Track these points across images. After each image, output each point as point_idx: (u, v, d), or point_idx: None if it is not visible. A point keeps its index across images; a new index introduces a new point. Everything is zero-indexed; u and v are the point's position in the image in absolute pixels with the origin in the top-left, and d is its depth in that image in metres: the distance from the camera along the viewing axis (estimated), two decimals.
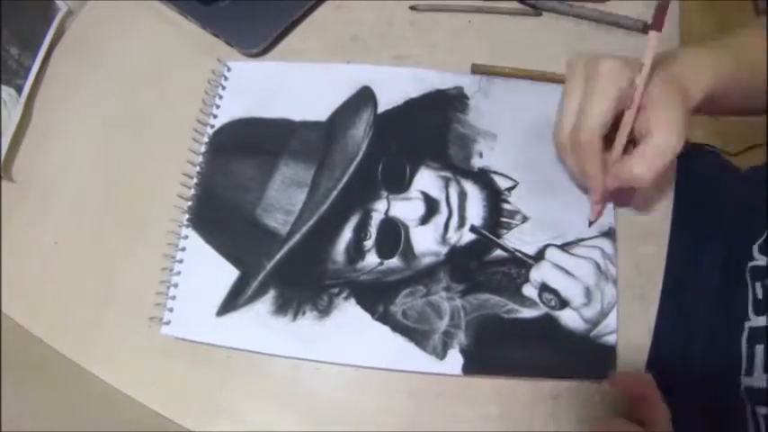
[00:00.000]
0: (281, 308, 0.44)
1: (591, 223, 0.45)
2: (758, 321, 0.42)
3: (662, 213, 0.46)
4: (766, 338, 0.41)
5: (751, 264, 0.43)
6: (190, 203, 0.48)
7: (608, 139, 0.40)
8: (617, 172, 0.40)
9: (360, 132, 0.49)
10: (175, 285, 0.46)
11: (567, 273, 0.43)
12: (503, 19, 0.54)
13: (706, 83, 0.39)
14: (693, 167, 0.49)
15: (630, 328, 0.42)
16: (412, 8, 0.51)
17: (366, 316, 0.43)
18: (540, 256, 0.44)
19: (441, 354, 0.42)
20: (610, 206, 0.45)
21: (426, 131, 0.49)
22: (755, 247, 0.43)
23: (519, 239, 0.45)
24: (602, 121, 0.38)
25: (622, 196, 0.45)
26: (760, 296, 0.42)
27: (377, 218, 0.46)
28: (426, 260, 0.45)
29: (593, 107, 0.38)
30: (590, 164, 0.40)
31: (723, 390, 0.42)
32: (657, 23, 0.38)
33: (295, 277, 0.45)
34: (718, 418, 0.43)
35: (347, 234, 0.46)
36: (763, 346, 0.41)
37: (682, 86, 0.39)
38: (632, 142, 0.40)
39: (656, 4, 0.38)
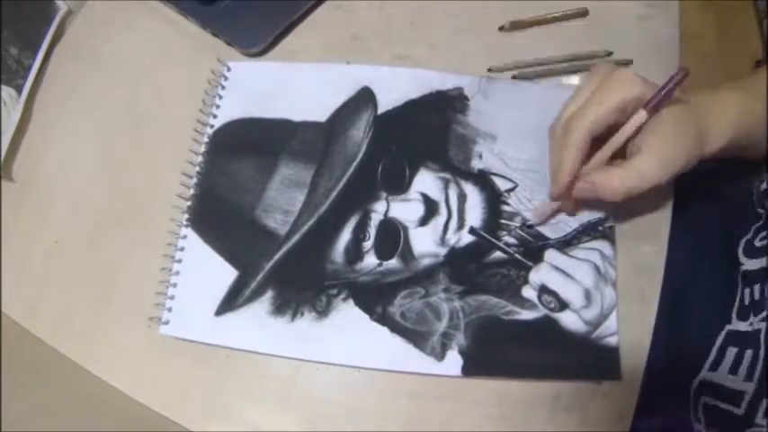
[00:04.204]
0: (280, 308, 0.44)
1: (529, 225, 0.45)
2: (738, 326, 0.42)
3: (662, 213, 0.46)
4: (743, 342, 0.41)
5: (742, 268, 0.43)
6: (189, 203, 0.48)
7: (596, 149, 0.41)
8: (591, 179, 0.40)
9: (359, 133, 0.49)
10: (174, 285, 0.46)
11: (567, 275, 0.43)
12: (502, 19, 0.54)
13: (730, 129, 0.40)
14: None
15: (630, 329, 0.42)
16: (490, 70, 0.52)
17: (365, 317, 0.43)
18: (539, 257, 0.44)
19: (440, 355, 0.42)
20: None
21: (426, 132, 0.49)
22: (740, 251, 0.43)
23: (518, 241, 0.45)
24: (596, 120, 0.39)
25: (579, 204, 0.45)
26: (746, 302, 0.42)
27: (376, 219, 0.46)
28: (425, 261, 0.45)
29: (594, 105, 0.39)
30: (568, 157, 0.40)
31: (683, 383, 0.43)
32: (650, 105, 0.38)
33: (293, 278, 0.45)
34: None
35: (346, 235, 0.46)
36: (736, 349, 0.41)
37: (699, 129, 0.39)
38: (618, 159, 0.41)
39: (661, 86, 0.38)
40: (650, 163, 0.38)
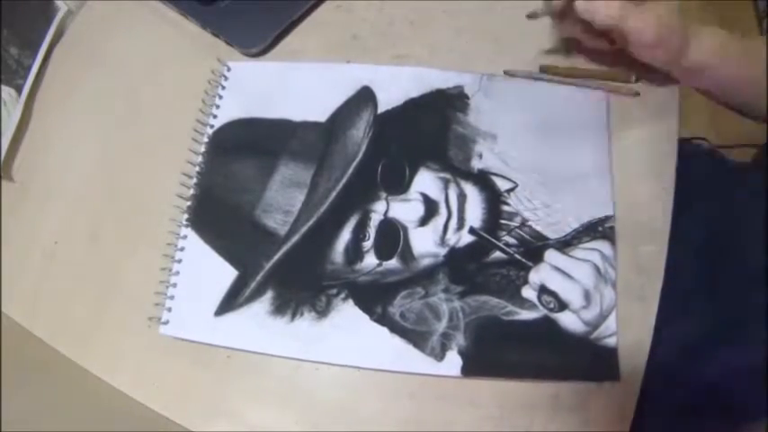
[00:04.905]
0: (279, 308, 0.44)
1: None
2: None
3: (662, 213, 0.46)
4: None
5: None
6: (189, 203, 0.48)
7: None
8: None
9: (359, 133, 0.49)
10: (174, 285, 0.46)
11: (566, 275, 0.43)
12: (503, 19, 0.54)
13: (708, 54, 0.42)
14: (690, 166, 0.49)
15: (631, 328, 0.42)
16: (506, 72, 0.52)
17: (364, 317, 0.43)
18: (539, 258, 0.44)
19: (439, 355, 0.42)
20: (609, 203, 0.45)
21: (426, 132, 0.49)
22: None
23: (518, 241, 0.45)
24: None
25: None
26: None
27: (376, 219, 0.46)
28: (425, 261, 0.45)
29: None
30: None
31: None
32: None
33: (293, 278, 0.45)
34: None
35: (346, 235, 0.46)
36: None
37: (686, 35, 0.42)
38: None
39: None
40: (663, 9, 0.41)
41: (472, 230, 0.45)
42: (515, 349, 0.42)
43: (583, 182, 0.46)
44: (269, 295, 0.45)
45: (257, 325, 0.44)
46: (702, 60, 0.42)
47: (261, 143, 0.50)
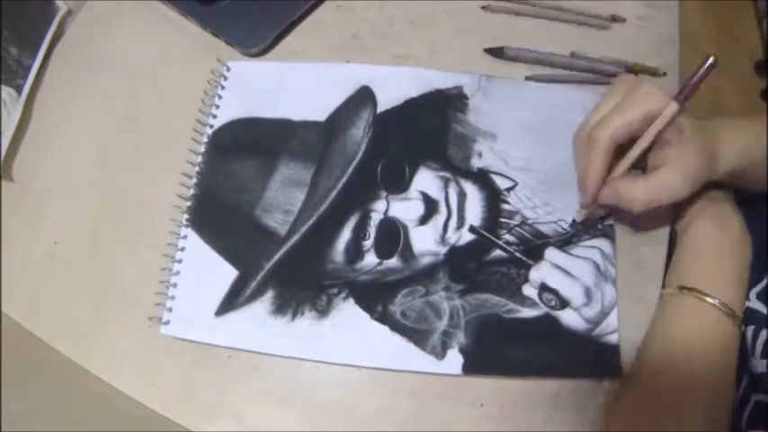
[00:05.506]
0: (280, 308, 0.44)
1: (575, 222, 0.45)
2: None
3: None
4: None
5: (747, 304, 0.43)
6: (189, 203, 0.48)
7: (621, 156, 0.41)
8: (616, 187, 0.40)
9: (359, 132, 0.49)
10: (174, 285, 0.46)
11: (567, 273, 0.43)
12: (502, 19, 0.54)
13: (737, 156, 0.41)
14: None
15: (631, 328, 0.42)
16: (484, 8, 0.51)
17: (365, 316, 0.43)
18: (539, 256, 0.44)
19: (440, 354, 0.42)
20: None
21: (426, 131, 0.49)
22: (753, 293, 0.43)
23: (518, 239, 0.45)
24: (619, 129, 0.39)
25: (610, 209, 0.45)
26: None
27: (376, 218, 0.46)
28: (425, 260, 0.45)
29: (617, 115, 0.39)
30: (594, 164, 0.40)
31: None
32: (681, 96, 0.38)
33: (294, 277, 0.45)
34: None
35: (346, 234, 0.46)
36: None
37: (712, 149, 0.41)
38: (641, 170, 0.42)
39: (689, 76, 0.38)
40: (675, 177, 0.39)
41: (472, 229, 0.45)
42: (516, 347, 0.42)
43: None
44: (269, 295, 0.45)
45: (258, 325, 0.44)
46: (733, 169, 0.41)
47: (261, 143, 0.50)
